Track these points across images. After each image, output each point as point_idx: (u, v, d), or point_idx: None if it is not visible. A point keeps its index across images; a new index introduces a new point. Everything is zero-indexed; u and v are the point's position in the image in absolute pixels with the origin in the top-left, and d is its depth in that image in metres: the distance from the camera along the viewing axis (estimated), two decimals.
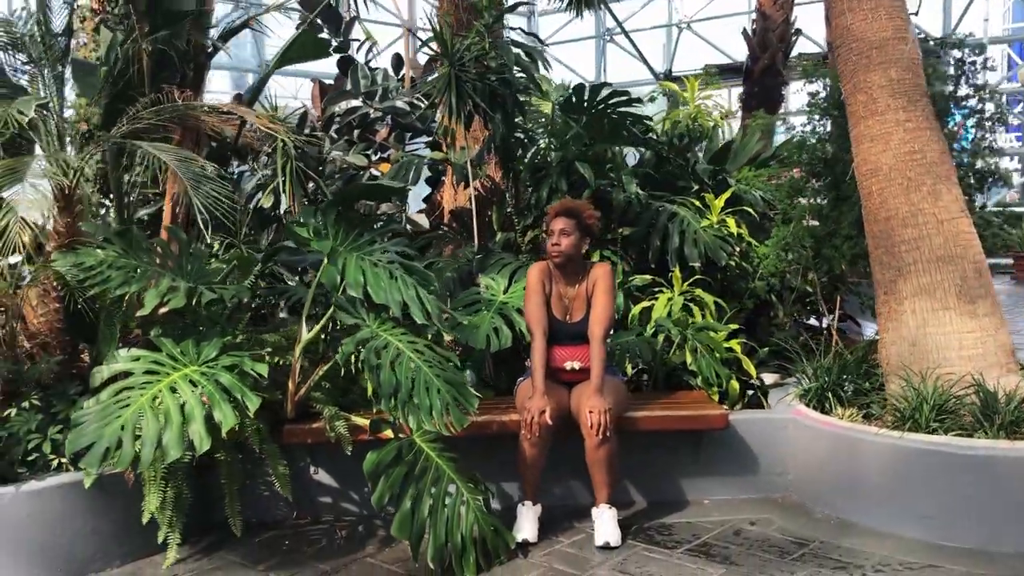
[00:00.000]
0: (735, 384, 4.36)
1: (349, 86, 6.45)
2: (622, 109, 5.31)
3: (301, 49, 4.20)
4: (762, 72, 10.20)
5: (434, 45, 4.95)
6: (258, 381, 3.49)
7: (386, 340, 3.47)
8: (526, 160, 5.23)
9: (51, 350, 3.78)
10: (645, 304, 4.72)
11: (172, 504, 3.52)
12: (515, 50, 4.69)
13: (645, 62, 15.21)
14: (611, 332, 4.05)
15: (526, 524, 3.70)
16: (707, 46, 17.05)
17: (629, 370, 4.41)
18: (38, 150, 3.87)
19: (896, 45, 4.23)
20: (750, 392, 4.52)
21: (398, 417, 3.32)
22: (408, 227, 5.93)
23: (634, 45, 15.53)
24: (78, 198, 3.61)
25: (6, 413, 3.59)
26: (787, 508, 4.05)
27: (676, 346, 4.33)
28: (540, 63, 4.92)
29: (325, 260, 3.60)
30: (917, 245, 4.11)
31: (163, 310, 3.40)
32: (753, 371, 4.45)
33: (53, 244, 3.63)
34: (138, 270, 3.43)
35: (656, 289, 4.85)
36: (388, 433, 3.59)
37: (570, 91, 5.31)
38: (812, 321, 5.62)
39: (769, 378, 4.76)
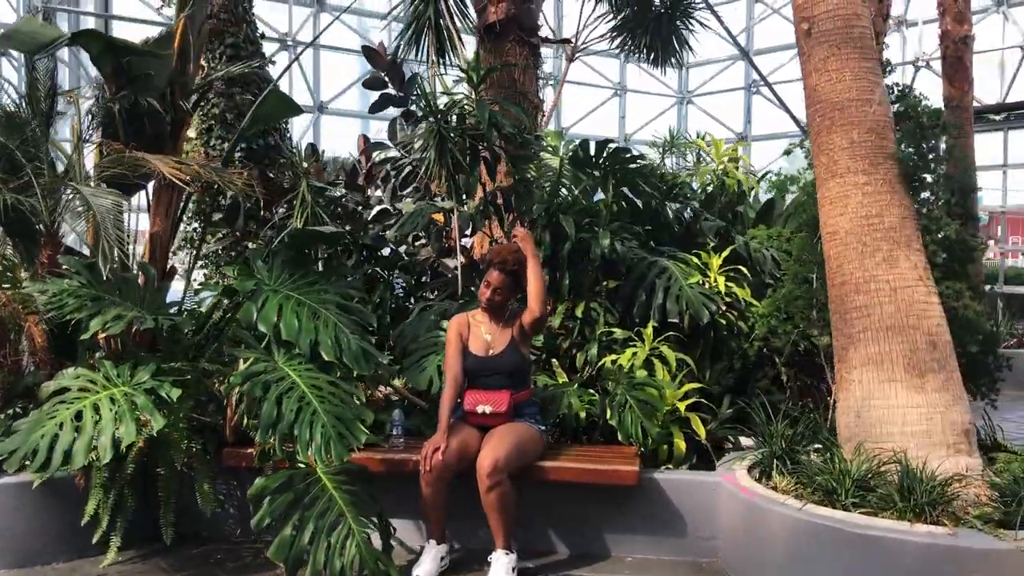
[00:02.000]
0: (680, 443, 4.32)
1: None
2: (630, 166, 5.44)
3: (271, 107, 4.62)
4: None
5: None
6: (206, 405, 3.92)
7: (283, 375, 3.72)
8: (525, 212, 5.40)
9: (43, 365, 4.32)
10: (614, 357, 4.75)
11: (112, 509, 3.92)
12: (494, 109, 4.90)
13: (789, 113, 14.87)
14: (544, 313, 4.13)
15: (424, 561, 3.83)
16: None
17: (582, 418, 4.44)
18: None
19: (860, 107, 4.12)
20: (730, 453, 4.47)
21: (273, 448, 3.57)
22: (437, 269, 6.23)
23: (777, 97, 15.22)
24: (62, 235, 4.15)
25: None
26: (709, 574, 3.96)
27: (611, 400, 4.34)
28: (518, 122, 5.11)
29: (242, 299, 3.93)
30: (868, 312, 3.97)
31: (102, 335, 3.83)
32: (702, 431, 4.38)
33: (39, 273, 4.18)
34: (92, 300, 3.89)
35: (631, 343, 4.86)
36: (287, 462, 3.81)
37: (576, 147, 5.47)
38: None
39: (747, 441, 4.66)
